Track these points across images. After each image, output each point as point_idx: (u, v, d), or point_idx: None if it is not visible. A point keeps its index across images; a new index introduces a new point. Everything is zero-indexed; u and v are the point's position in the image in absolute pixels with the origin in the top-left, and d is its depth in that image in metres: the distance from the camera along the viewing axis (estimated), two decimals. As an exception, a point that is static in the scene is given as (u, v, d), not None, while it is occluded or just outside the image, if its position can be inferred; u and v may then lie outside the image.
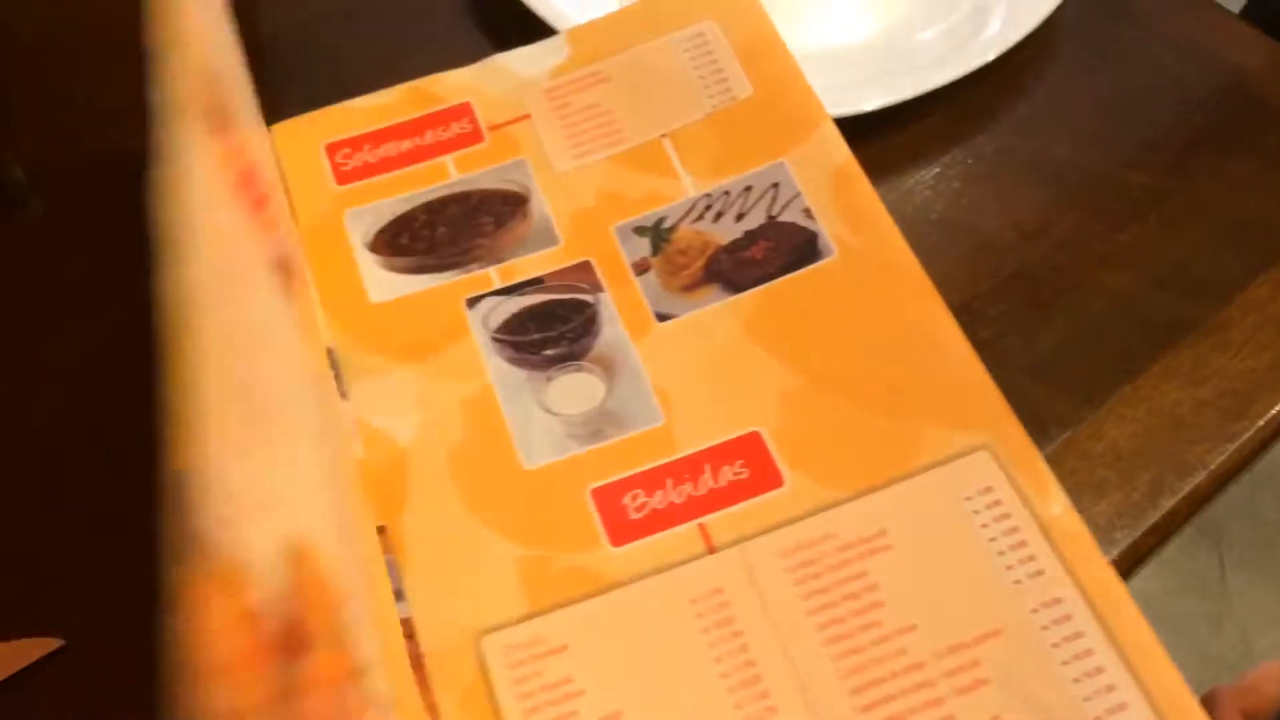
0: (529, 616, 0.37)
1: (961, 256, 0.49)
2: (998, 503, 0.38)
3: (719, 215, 0.45)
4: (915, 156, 0.52)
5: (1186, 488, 0.43)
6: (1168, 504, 0.43)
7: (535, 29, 0.52)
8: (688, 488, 0.39)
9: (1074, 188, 0.51)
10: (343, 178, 0.47)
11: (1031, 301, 0.48)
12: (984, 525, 0.37)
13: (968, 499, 0.38)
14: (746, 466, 0.39)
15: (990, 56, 0.53)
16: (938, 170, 0.52)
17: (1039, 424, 0.41)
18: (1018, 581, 0.36)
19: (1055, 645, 0.35)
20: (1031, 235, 0.50)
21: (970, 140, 0.53)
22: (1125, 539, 0.42)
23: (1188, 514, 0.44)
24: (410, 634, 0.37)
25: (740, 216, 0.45)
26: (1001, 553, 0.37)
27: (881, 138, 0.51)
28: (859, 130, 0.47)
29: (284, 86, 0.52)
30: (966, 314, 0.43)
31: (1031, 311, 0.48)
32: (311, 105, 0.49)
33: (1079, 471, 0.44)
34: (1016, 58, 0.53)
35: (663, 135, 0.47)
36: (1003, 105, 0.54)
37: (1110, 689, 0.34)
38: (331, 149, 0.48)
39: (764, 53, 0.48)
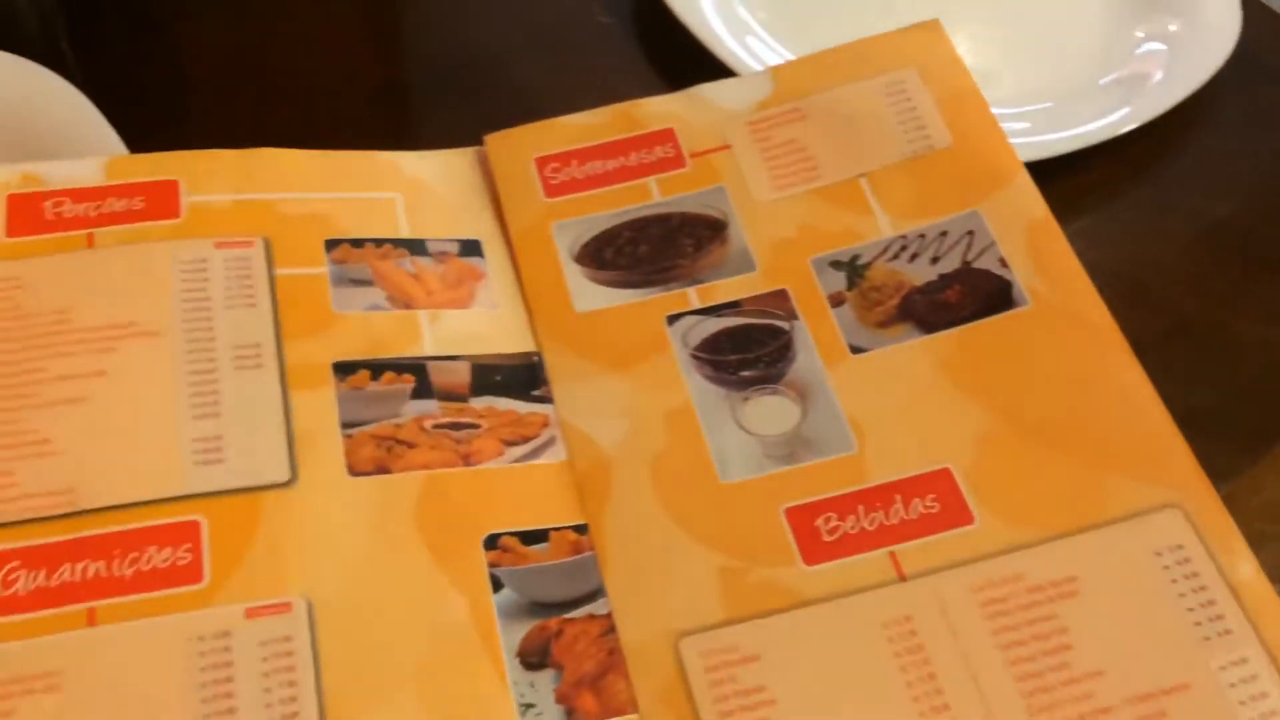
0: (725, 623, 0.38)
1: (1119, 306, 0.50)
2: (1187, 560, 0.39)
3: (914, 256, 0.46)
4: (1075, 205, 0.54)
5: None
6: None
7: (699, 67, 0.54)
8: (879, 516, 0.40)
9: (1234, 244, 0.53)
10: (551, 191, 0.49)
11: (1190, 354, 0.49)
12: (1173, 581, 0.38)
13: (1158, 554, 0.39)
14: (938, 501, 0.40)
15: (1156, 113, 0.54)
16: (1097, 220, 0.54)
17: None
18: (1206, 638, 0.37)
19: (1242, 703, 0.36)
20: (1191, 289, 0.51)
21: (1131, 193, 0.55)
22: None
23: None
24: (610, 627, 0.39)
25: (935, 260, 0.46)
26: (1190, 609, 0.38)
27: (1041, 186, 0.52)
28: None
29: (478, 106, 0.54)
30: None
31: (1190, 363, 0.49)
32: (495, 126, 0.52)
33: (1238, 525, 0.45)
34: (1178, 114, 0.55)
35: (860, 175, 0.49)
36: (1163, 160, 0.56)
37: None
38: (541, 162, 0.50)
39: (963, 103, 0.50)
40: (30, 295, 0.44)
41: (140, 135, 0.50)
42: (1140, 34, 0.62)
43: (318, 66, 0.60)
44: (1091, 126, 0.56)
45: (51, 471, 0.40)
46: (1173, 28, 0.61)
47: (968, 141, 0.49)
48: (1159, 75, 0.58)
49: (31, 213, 0.46)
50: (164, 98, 0.59)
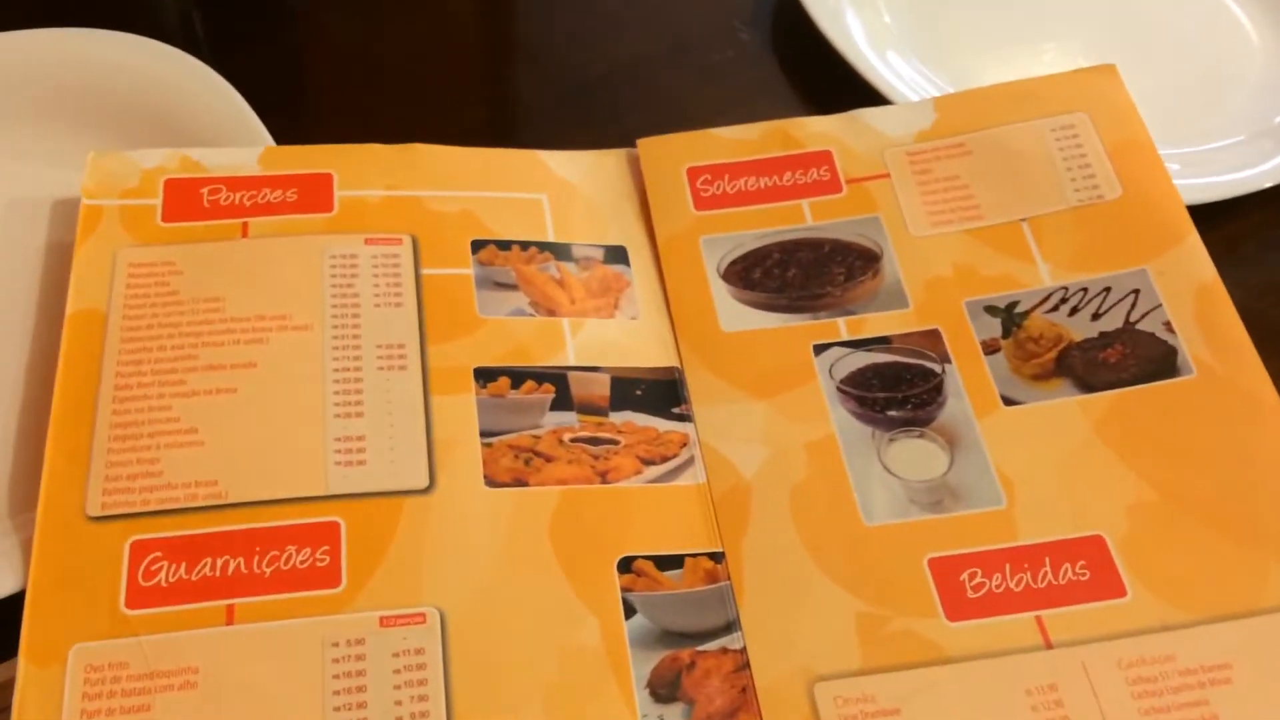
0: (863, 672, 0.37)
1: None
2: None
3: (1074, 310, 0.45)
4: (1231, 254, 0.52)
5: None
6: None
7: (839, 87, 0.53)
8: (1026, 578, 0.39)
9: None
10: (701, 203, 0.48)
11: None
12: None
13: None
14: (1088, 569, 0.39)
15: None
16: (1253, 271, 0.52)
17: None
18: (1364, 740, 0.36)
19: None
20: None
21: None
22: None
23: None
24: (743, 664, 0.38)
25: (1096, 316, 0.45)
26: (1348, 708, 0.36)
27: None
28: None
29: (619, 115, 0.53)
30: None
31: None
32: (638, 135, 0.51)
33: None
34: None
35: (1023, 220, 0.47)
36: None
37: None
38: (693, 173, 0.49)
39: (1135, 154, 0.48)
40: (186, 281, 0.44)
41: (278, 128, 0.51)
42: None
43: (457, 72, 0.60)
44: (1249, 172, 0.54)
45: (197, 462, 0.40)
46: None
47: (1139, 194, 0.47)
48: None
49: (189, 199, 0.46)
50: (301, 92, 0.59)
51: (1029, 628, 0.38)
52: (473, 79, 0.60)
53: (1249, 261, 0.53)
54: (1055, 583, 0.39)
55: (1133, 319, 0.44)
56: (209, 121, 0.51)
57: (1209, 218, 0.51)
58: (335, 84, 0.59)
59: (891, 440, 0.42)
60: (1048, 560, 0.39)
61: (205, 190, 0.47)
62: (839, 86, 0.54)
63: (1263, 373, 0.43)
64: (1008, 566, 0.39)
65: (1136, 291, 0.45)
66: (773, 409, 0.43)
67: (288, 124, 0.51)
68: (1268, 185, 0.53)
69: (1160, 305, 0.45)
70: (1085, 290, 0.45)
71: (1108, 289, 0.45)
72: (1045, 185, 0.48)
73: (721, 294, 0.46)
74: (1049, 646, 0.38)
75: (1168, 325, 0.44)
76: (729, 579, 0.40)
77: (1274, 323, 0.50)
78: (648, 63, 0.60)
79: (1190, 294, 0.45)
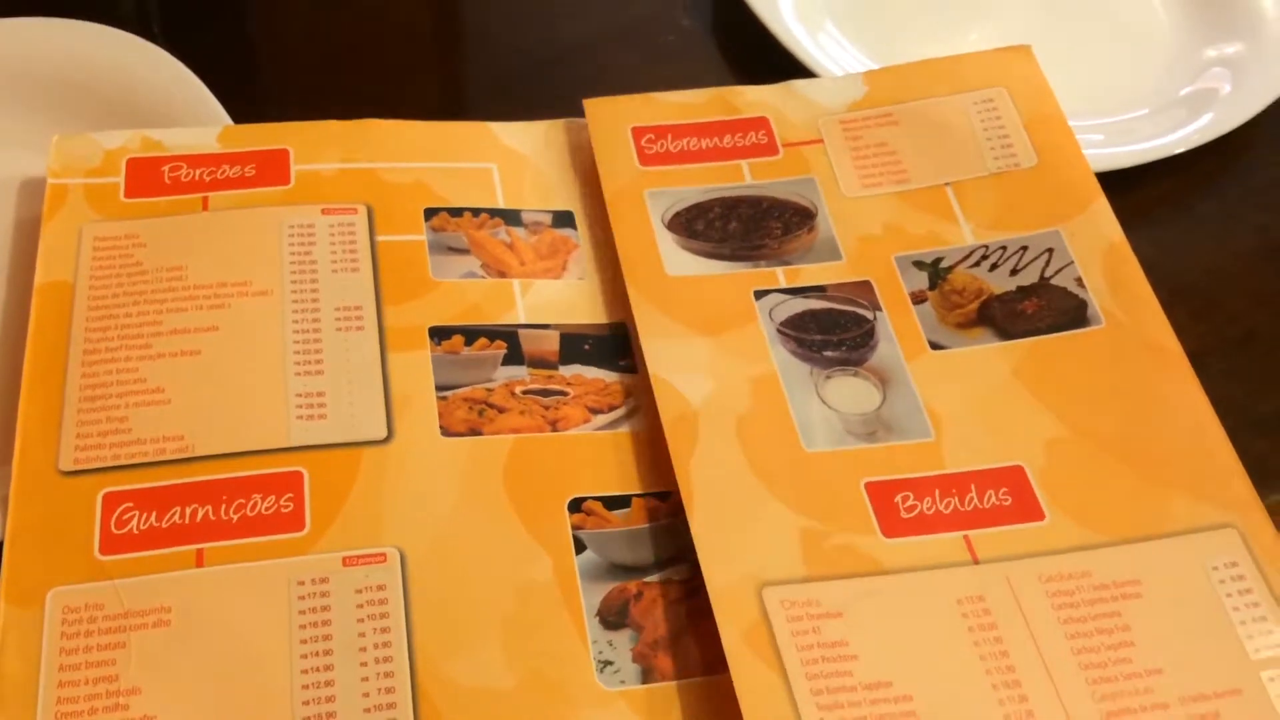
0: (807, 579, 0.40)
1: (1186, 318, 0.51)
2: (1241, 577, 0.40)
3: (994, 266, 0.48)
4: (1145, 216, 0.55)
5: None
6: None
7: (779, 73, 0.56)
8: (954, 501, 0.42)
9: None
10: (646, 160, 0.51)
11: (1257, 363, 0.50)
12: (1228, 595, 0.40)
13: (1214, 569, 0.40)
14: (1010, 495, 0.42)
15: (1223, 130, 0.56)
16: (1167, 232, 0.55)
17: (1263, 475, 0.44)
18: (1257, 650, 0.38)
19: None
20: (1257, 300, 0.52)
21: (1197, 206, 0.56)
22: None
23: None
24: (688, 593, 0.41)
25: (1014, 271, 0.47)
26: (1243, 622, 0.39)
27: (1112, 197, 0.54)
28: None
29: (568, 95, 0.56)
30: (1195, 366, 0.45)
31: (1259, 372, 0.50)
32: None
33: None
34: (1244, 133, 0.56)
35: (946, 183, 0.50)
36: (1231, 176, 0.57)
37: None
38: (638, 132, 0.52)
39: (1049, 126, 0.51)
40: (149, 252, 0.46)
41: (237, 111, 0.53)
42: (1211, 54, 0.63)
43: (410, 54, 0.63)
44: (1161, 141, 0.57)
45: (164, 419, 0.42)
46: (1236, 49, 0.62)
47: (1052, 163, 0.50)
48: (1227, 91, 0.59)
49: (150, 176, 0.48)
50: (257, 74, 0.61)
51: (958, 546, 0.41)
52: (426, 61, 0.63)
53: (1161, 223, 0.56)
54: (980, 507, 0.41)
55: (1047, 275, 0.47)
56: (169, 105, 0.53)
57: (1126, 183, 0.54)
58: (291, 67, 0.61)
59: (829, 377, 0.45)
60: (973, 487, 0.42)
61: (166, 168, 0.49)
62: (777, 72, 0.57)
63: (1165, 323, 0.46)
64: (937, 492, 0.42)
65: (1050, 250, 0.48)
66: (717, 346, 0.46)
67: (245, 106, 0.53)
68: (1179, 151, 0.56)
69: (1072, 263, 0.47)
70: (1004, 248, 0.48)
71: (1024, 247, 0.48)
72: (967, 153, 0.51)
73: (666, 242, 0.49)
74: (976, 562, 0.40)
75: (1079, 281, 0.47)
76: (680, 494, 0.42)
77: (1182, 278, 0.53)
78: (594, 46, 0.62)
79: (1099, 253, 0.48)
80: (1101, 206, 0.49)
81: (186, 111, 0.53)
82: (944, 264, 0.48)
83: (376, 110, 0.52)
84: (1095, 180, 0.50)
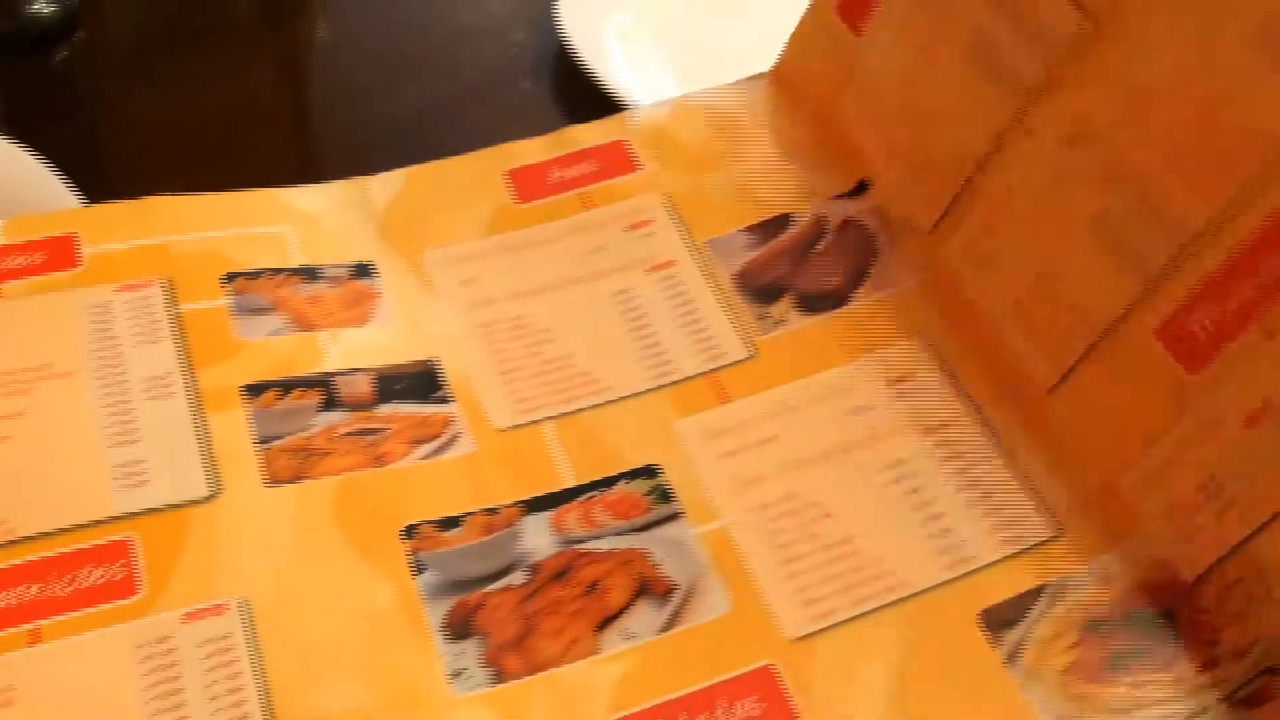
0: None
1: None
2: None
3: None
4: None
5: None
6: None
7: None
8: None
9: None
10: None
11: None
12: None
13: None
14: None
15: None
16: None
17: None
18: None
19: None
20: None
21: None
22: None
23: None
24: (529, 595, 0.43)
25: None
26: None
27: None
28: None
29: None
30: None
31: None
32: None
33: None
34: None
35: None
36: None
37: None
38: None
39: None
40: None
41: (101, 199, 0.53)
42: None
43: (264, 132, 0.65)
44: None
45: None
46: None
47: None
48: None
49: None
50: (113, 164, 0.63)
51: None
52: (280, 135, 0.65)
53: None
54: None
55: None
56: (29, 199, 0.53)
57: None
58: (147, 150, 0.63)
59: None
60: None
61: None
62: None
63: None
64: None
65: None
66: None
67: (107, 197, 0.53)
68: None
69: None
70: None
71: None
72: None
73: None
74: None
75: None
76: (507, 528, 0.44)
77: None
78: (432, 113, 0.66)
79: None
80: None
81: (49, 203, 0.53)
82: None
83: (239, 185, 0.53)
84: None
